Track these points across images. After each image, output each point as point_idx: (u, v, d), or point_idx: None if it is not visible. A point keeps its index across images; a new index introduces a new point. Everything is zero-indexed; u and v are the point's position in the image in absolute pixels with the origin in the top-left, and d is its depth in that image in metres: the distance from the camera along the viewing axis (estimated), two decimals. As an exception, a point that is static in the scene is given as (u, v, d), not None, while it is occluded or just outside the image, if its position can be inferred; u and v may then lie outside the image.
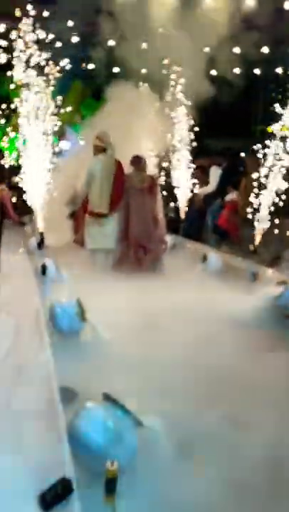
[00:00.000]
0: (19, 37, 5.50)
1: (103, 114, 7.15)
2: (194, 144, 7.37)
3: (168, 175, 7.39)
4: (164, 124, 7.10)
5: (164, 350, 3.36)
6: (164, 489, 1.97)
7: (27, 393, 2.06)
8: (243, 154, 7.50)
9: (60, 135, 6.28)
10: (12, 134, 5.82)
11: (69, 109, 7.86)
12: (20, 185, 6.21)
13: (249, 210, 5.85)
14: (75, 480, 1.50)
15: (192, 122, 7.37)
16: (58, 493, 1.44)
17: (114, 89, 7.27)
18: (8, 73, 5.78)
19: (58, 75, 5.61)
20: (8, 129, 5.83)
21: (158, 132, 7.01)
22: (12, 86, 5.78)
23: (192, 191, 7.52)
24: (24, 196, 6.23)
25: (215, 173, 7.50)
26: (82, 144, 7.21)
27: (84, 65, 9.13)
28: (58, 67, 5.65)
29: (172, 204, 7.75)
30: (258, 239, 5.74)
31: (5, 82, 6.66)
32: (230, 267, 5.42)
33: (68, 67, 5.99)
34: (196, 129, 7.42)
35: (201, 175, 7.58)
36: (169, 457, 2.12)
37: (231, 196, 6.99)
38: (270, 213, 5.76)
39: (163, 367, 3.09)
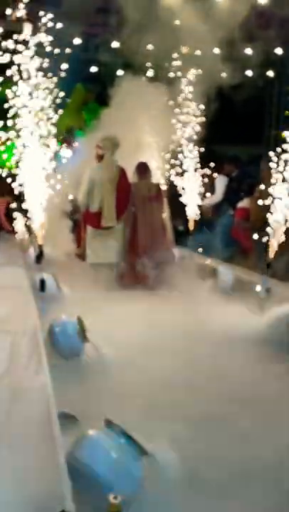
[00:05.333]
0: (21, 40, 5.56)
1: (109, 113, 7.15)
2: (202, 150, 7.38)
3: (174, 183, 7.40)
4: (172, 127, 7.12)
5: (170, 371, 3.35)
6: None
7: (24, 419, 2.05)
8: (258, 161, 7.49)
9: (63, 140, 6.33)
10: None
11: (71, 113, 7.92)
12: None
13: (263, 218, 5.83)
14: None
15: (201, 127, 7.39)
16: (57, 528, 1.43)
17: (121, 85, 7.28)
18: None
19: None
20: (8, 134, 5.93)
21: (166, 135, 7.02)
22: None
23: (201, 200, 7.53)
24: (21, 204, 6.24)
25: (220, 183, 7.50)
26: (85, 149, 7.25)
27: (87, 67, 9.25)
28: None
29: (180, 215, 7.75)
30: (272, 251, 5.70)
31: (3, 85, 6.72)
32: (242, 282, 5.40)
33: (71, 70, 6.03)
34: (205, 133, 7.44)
35: (207, 184, 7.60)
36: (177, 488, 2.10)
37: (243, 204, 6.99)
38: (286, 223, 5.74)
39: (169, 389, 3.08)
